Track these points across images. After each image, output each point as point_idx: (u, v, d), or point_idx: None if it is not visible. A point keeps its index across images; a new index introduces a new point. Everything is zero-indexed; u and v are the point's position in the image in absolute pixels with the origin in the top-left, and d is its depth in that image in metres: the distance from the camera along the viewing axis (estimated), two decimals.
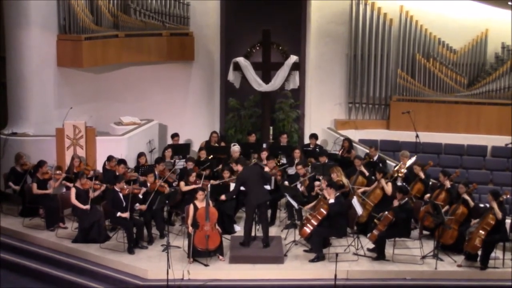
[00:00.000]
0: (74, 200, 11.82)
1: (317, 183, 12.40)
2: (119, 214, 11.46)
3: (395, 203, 11.29)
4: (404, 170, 12.92)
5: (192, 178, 12.49)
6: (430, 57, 16.22)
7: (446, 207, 11.70)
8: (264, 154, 13.34)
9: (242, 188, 11.90)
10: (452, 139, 16.02)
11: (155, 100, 16.28)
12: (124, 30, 15.42)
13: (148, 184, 12.14)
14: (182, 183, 12.56)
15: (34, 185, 12.49)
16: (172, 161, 13.77)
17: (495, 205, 10.86)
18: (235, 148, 14.17)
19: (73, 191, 11.89)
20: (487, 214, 10.99)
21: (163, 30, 15.95)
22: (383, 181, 12.12)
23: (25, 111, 14.61)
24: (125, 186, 11.72)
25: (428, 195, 12.35)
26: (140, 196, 11.85)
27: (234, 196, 12.24)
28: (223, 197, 12.08)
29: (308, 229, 11.27)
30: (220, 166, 13.47)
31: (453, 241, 11.37)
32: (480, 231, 10.92)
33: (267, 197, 11.63)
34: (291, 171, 13.54)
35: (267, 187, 12.24)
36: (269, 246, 11.40)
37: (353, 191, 12.33)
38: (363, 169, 12.85)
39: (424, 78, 16.26)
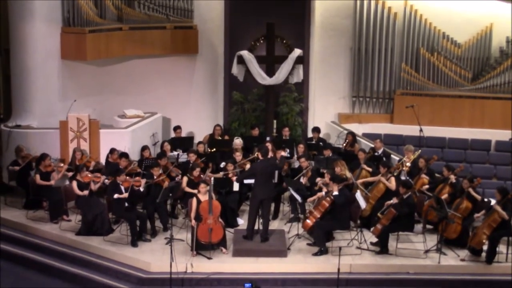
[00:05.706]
0: (79, 191, 11.84)
1: (319, 179, 12.33)
2: (116, 195, 11.44)
3: (395, 200, 11.24)
4: (409, 164, 12.90)
5: (196, 173, 12.36)
6: (435, 51, 16.18)
7: (446, 196, 11.68)
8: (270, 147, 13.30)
9: (248, 181, 11.89)
10: (456, 133, 15.97)
11: (158, 93, 16.28)
12: (128, 23, 15.44)
13: (155, 177, 12.13)
14: (185, 178, 12.39)
15: (37, 176, 12.50)
16: (175, 153, 13.76)
17: (498, 208, 10.79)
18: (237, 141, 14.17)
19: (74, 184, 11.91)
20: (494, 210, 10.90)
21: (167, 23, 15.97)
22: (384, 178, 12.09)
23: (29, 103, 14.65)
24: (127, 178, 11.72)
25: (426, 186, 12.33)
26: (141, 189, 11.82)
27: (237, 190, 12.23)
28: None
29: (310, 222, 11.27)
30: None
31: (456, 235, 11.35)
32: (486, 228, 10.87)
33: (272, 193, 11.59)
34: (295, 164, 13.54)
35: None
36: (268, 241, 11.35)
37: (356, 185, 12.32)
38: (365, 166, 12.80)
39: (428, 72, 16.21)
